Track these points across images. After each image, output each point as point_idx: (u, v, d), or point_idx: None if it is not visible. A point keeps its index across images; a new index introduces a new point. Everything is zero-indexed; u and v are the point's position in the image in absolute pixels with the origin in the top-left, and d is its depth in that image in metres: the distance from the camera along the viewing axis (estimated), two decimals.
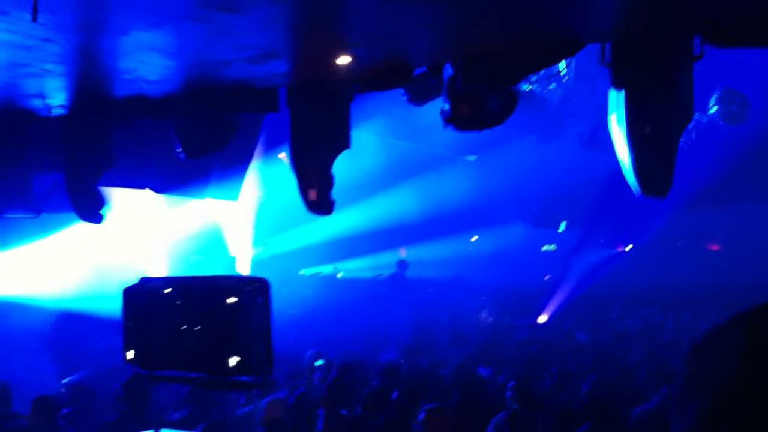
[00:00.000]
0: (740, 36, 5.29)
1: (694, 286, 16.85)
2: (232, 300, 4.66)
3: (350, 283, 19.70)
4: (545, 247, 23.43)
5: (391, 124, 15.03)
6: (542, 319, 17.77)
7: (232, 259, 17.52)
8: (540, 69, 6.07)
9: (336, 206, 7.63)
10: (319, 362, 9.25)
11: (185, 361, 4.90)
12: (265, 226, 17.84)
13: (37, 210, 10.19)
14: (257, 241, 18.07)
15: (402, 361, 10.50)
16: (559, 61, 6.17)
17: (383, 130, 15.38)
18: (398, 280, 18.57)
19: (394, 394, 7.95)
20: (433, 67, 6.76)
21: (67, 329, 12.14)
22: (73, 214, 9.09)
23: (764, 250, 17.77)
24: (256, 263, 17.67)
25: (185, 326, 4.79)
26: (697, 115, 15.07)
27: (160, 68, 6.58)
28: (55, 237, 13.17)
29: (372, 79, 6.88)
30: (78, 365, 10.96)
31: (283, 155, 13.71)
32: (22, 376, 10.33)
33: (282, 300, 16.01)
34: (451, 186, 18.81)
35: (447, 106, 6.42)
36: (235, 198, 11.56)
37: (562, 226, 20.92)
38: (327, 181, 7.26)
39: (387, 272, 19.35)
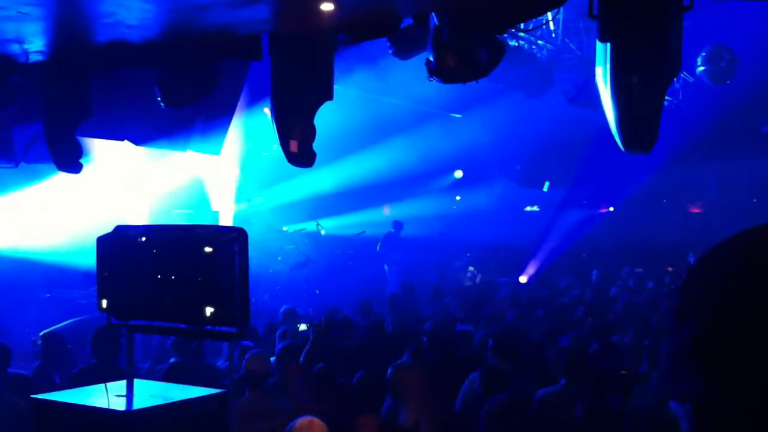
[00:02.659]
0: None
1: (676, 243, 16.88)
2: (208, 249, 4.56)
3: (333, 240, 19.66)
4: (528, 208, 23.42)
5: (376, 80, 14.87)
6: (523, 279, 17.81)
7: (215, 214, 17.43)
8: (527, 18, 5.95)
9: (319, 163, 7.52)
10: (302, 327, 9.11)
11: (160, 311, 4.82)
12: (249, 182, 17.74)
13: (16, 161, 10.07)
14: (240, 197, 17.98)
15: (387, 318, 10.46)
16: (547, 10, 6.06)
17: (368, 86, 15.22)
18: (393, 239, 18.61)
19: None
20: (419, 17, 6.63)
21: None
22: (52, 166, 8.99)
23: (747, 207, 17.84)
24: (239, 218, 17.59)
25: (160, 275, 4.70)
26: (683, 75, 15.09)
27: (140, 12, 6.42)
28: (35, 188, 13.04)
29: (357, 27, 6.73)
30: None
31: (267, 110, 13.57)
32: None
33: (265, 255, 16.08)
34: (436, 143, 18.72)
35: (432, 58, 6.29)
36: (217, 152, 11.44)
37: (546, 186, 20.90)
38: (308, 133, 7.15)
39: (368, 230, 19.34)
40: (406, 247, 18.33)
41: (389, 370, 6.35)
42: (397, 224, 18.97)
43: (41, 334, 9.04)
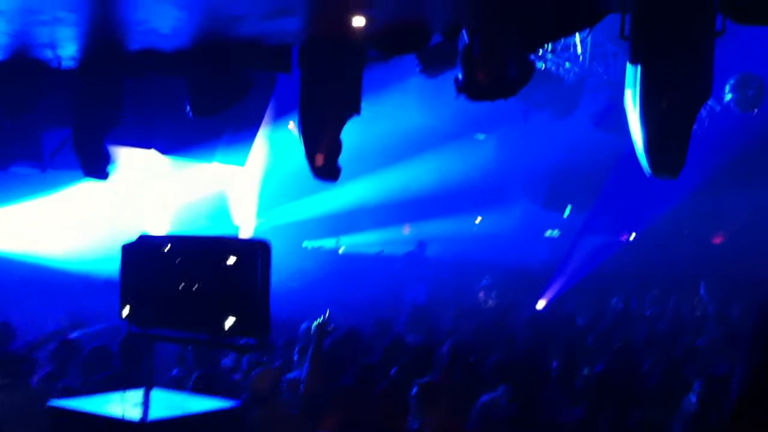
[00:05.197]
0: (763, 11, 5.15)
1: (695, 272, 16.71)
2: (231, 260, 4.56)
3: (352, 258, 19.61)
4: (548, 233, 23.28)
5: (401, 98, 14.89)
6: (540, 304, 17.66)
7: (236, 229, 17.46)
8: (558, 37, 5.94)
9: (341, 179, 7.49)
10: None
11: (181, 320, 4.81)
12: (270, 196, 17.76)
13: (43, 166, 10.11)
14: (261, 211, 18.01)
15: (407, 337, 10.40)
16: (579, 30, 6.03)
17: (394, 103, 15.23)
18: (416, 259, 18.50)
19: (393, 369, 7.87)
20: (450, 34, 6.62)
21: None
22: (79, 173, 9.02)
23: None
24: (259, 233, 17.59)
25: (183, 285, 4.69)
26: (711, 102, 14.99)
27: (173, 20, 6.49)
28: (59, 194, 13.11)
29: (388, 42, 6.75)
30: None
31: (292, 125, 13.60)
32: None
33: (283, 271, 16.03)
34: (459, 163, 18.67)
35: (461, 75, 6.27)
36: (242, 163, 11.48)
37: (567, 211, 20.78)
38: (335, 147, 7.14)
39: (386, 249, 19.24)
40: (430, 268, 18.22)
41: (413, 389, 6.41)
42: (421, 244, 18.85)
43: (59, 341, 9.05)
